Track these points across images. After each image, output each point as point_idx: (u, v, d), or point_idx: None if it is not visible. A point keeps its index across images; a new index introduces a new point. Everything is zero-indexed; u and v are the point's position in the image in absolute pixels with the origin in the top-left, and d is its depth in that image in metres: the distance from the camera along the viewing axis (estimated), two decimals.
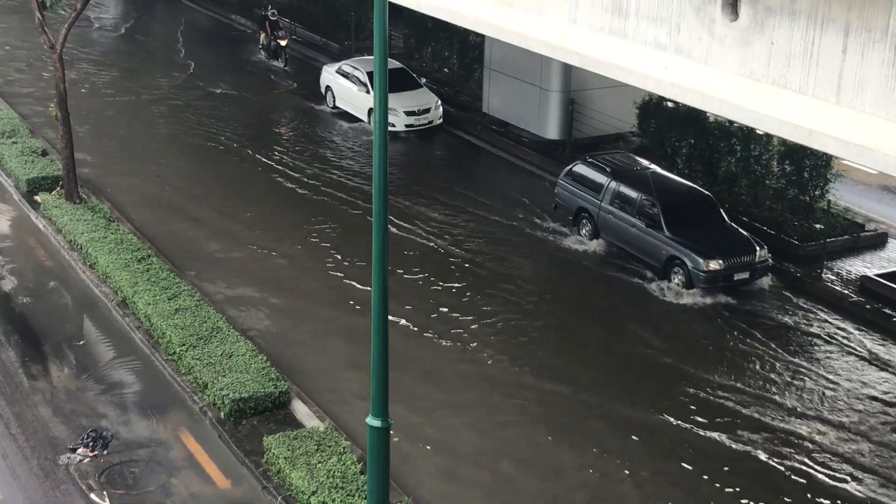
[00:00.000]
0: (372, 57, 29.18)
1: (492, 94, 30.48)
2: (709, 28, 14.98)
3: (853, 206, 25.10)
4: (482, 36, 28.11)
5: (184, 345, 18.35)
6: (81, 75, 34.45)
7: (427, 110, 30.29)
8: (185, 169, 27.82)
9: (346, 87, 31.54)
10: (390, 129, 27.50)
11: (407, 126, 29.99)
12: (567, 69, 27.52)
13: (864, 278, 22.18)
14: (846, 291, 21.83)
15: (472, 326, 20.47)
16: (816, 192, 24.12)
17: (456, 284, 22.02)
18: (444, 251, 23.42)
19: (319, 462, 15.47)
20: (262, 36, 36.52)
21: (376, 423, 14.09)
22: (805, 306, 21.43)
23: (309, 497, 14.89)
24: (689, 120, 26.08)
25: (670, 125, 26.50)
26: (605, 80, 18.69)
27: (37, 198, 24.65)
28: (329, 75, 32.51)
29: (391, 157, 25.22)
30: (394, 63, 30.05)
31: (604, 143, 28.32)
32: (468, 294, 21.67)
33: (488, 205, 25.80)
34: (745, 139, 24.94)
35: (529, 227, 24.83)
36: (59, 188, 24.50)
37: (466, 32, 28.92)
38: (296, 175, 27.30)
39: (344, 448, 15.87)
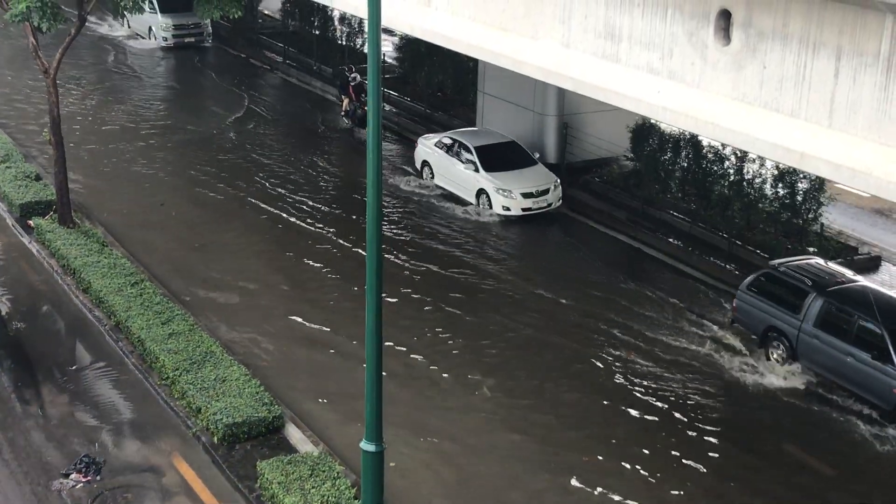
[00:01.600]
0: (478, 129, 29.18)
1: (486, 117, 30.53)
2: (701, 53, 15.08)
3: (846, 230, 25.15)
4: (476, 59, 28.19)
5: (177, 369, 18.29)
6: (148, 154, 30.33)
7: (545, 191, 26.55)
8: (271, 259, 24.02)
9: (449, 164, 27.80)
10: (504, 213, 26.17)
11: (524, 210, 26.26)
12: (561, 93, 27.63)
13: None
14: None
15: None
16: (810, 216, 24.17)
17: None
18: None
19: (313, 487, 15.40)
20: (346, 101, 32.67)
21: (370, 447, 14.07)
22: None
23: None
24: (682, 143, 26.17)
25: (663, 149, 26.58)
26: (599, 104, 18.79)
27: (30, 222, 24.63)
28: (426, 149, 28.68)
29: (506, 245, 24.87)
30: (502, 136, 28.14)
31: (596, 166, 28.40)
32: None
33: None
34: (739, 162, 25.00)
35: (697, 341, 20.97)
36: (52, 212, 24.48)
37: (460, 56, 28.34)
38: (413, 276, 23.37)
39: (338, 473, 15.81)
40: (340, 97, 33.15)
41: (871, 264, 24.04)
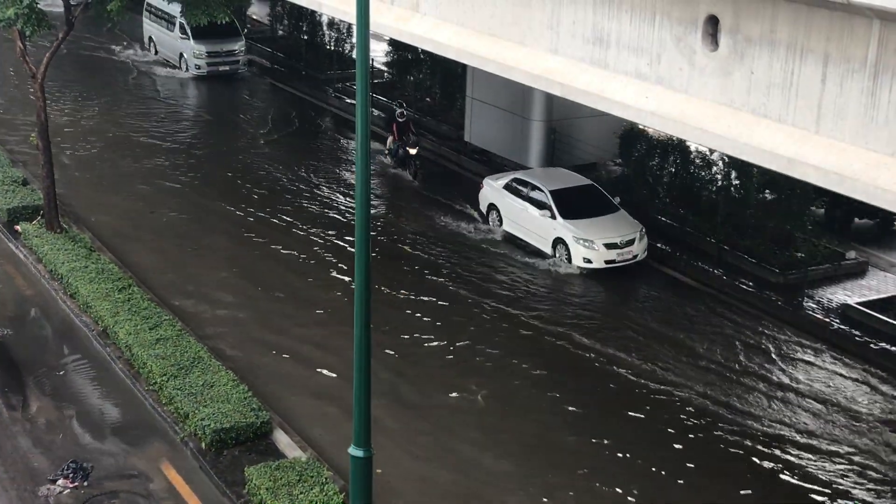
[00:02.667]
0: (551, 170, 27.01)
1: (474, 123, 30.57)
2: (689, 58, 15.11)
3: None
4: (465, 65, 28.22)
5: (164, 375, 18.24)
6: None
7: (630, 241, 24.02)
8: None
9: (520, 210, 25.19)
10: (586, 265, 23.58)
11: (607, 262, 23.74)
12: (549, 99, 27.66)
13: (846, 307, 22.28)
14: (827, 320, 21.91)
15: None
16: (798, 222, 24.24)
17: None
18: None
19: (301, 493, 15.36)
20: (390, 139, 30.07)
21: (358, 452, 14.06)
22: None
23: None
24: (670, 148, 26.22)
25: (651, 154, 26.64)
26: (587, 110, 18.82)
27: (17, 227, 24.54)
28: (493, 191, 26.07)
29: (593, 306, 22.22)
30: (579, 178, 25.83)
31: (584, 171, 28.40)
32: None
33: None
34: (727, 168, 25.07)
35: None
36: (39, 217, 24.41)
37: (449, 62, 28.18)
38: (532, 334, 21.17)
39: (326, 478, 15.78)
40: (387, 133, 30.39)
41: (858, 269, 24.11)
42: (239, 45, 38.28)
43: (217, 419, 17.00)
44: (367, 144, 13.06)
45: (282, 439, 17.26)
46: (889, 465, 17.52)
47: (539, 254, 24.63)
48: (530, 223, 24.92)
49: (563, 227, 24.11)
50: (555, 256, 24.25)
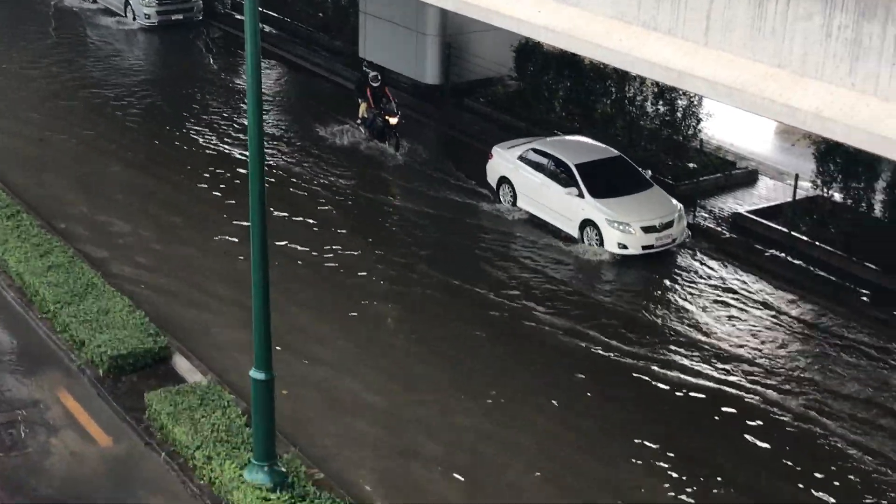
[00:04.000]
0: (574, 139, 23.75)
1: (368, 38, 30.17)
2: None
3: (724, 145, 25.69)
4: None
5: (58, 302, 17.90)
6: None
7: (670, 224, 21.24)
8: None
9: (539, 185, 22.26)
10: (621, 251, 20.78)
11: (645, 248, 20.97)
12: (444, 13, 27.42)
13: (736, 215, 22.80)
14: (719, 229, 22.41)
15: None
16: (689, 132, 24.61)
17: None
18: None
19: (203, 416, 15.31)
20: (363, 107, 26.26)
21: (259, 375, 14.03)
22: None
23: (193, 451, 14.75)
24: (564, 63, 26.26)
25: (547, 68, 26.66)
26: (482, 24, 18.69)
27: None
28: (505, 163, 23.04)
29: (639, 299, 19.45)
30: (606, 150, 22.92)
31: (481, 86, 28.37)
32: None
33: None
34: (620, 81, 25.24)
35: None
36: None
37: None
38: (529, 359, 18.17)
39: (228, 402, 15.74)
40: (358, 100, 26.63)
41: (748, 178, 24.64)
42: None
43: (114, 346, 16.78)
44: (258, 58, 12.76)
45: (182, 364, 17.13)
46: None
47: (559, 234, 21.91)
48: (552, 201, 21.97)
49: (593, 208, 21.24)
50: (583, 240, 21.56)
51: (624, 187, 21.82)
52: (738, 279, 20.67)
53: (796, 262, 21.08)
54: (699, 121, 24.43)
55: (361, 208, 23.13)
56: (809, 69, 12.72)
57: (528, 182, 22.49)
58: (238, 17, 34.56)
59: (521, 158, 22.78)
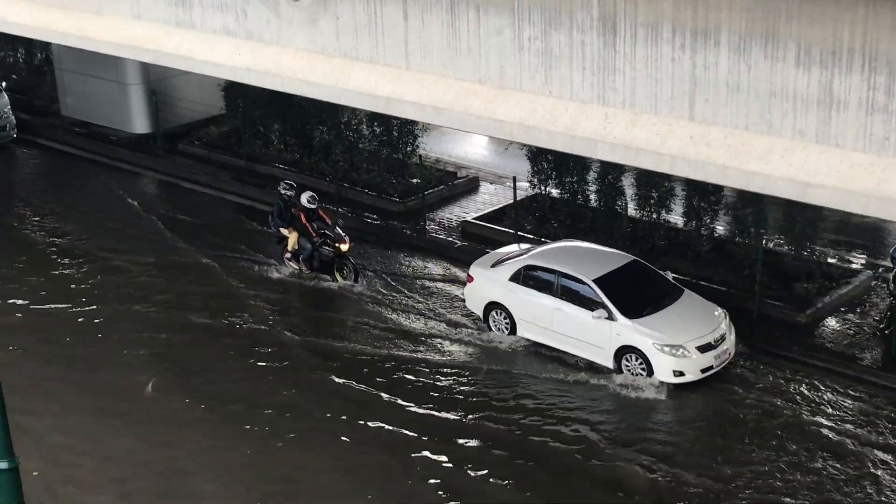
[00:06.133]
0: (570, 245, 19.24)
1: (68, 94, 29.03)
2: (275, 10, 15.07)
3: (443, 157, 26.28)
4: None
5: None
6: None
7: (723, 337, 17.69)
8: None
9: (553, 310, 18.28)
10: (677, 379, 17.17)
11: (703, 371, 17.39)
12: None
13: (465, 223, 23.37)
14: (450, 239, 22.91)
15: None
16: (408, 149, 25.03)
17: None
18: None
19: None
20: (293, 237, 21.27)
21: (2, 464, 13.24)
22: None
23: None
24: (275, 95, 26.11)
25: (257, 105, 26.46)
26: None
27: None
28: (492, 285, 19.00)
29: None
30: (619, 256, 18.95)
31: (195, 129, 27.82)
32: None
33: None
34: (334, 107, 25.36)
35: None
36: None
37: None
38: None
39: None
40: (278, 230, 21.48)
41: (470, 186, 25.31)
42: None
43: None
44: None
45: None
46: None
47: (579, 365, 18.14)
48: (571, 328, 18.12)
49: (632, 332, 17.48)
50: (621, 372, 17.82)
51: (656, 299, 18.10)
52: None
53: None
54: (416, 137, 24.89)
55: None
56: (508, 81, 13.18)
57: (532, 307, 18.53)
58: None
59: (515, 279, 18.80)
